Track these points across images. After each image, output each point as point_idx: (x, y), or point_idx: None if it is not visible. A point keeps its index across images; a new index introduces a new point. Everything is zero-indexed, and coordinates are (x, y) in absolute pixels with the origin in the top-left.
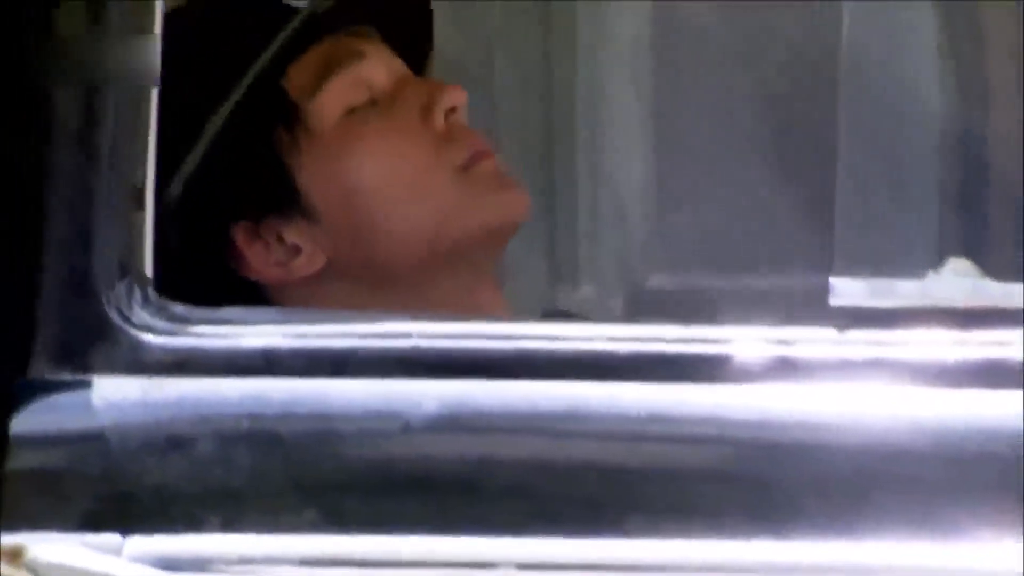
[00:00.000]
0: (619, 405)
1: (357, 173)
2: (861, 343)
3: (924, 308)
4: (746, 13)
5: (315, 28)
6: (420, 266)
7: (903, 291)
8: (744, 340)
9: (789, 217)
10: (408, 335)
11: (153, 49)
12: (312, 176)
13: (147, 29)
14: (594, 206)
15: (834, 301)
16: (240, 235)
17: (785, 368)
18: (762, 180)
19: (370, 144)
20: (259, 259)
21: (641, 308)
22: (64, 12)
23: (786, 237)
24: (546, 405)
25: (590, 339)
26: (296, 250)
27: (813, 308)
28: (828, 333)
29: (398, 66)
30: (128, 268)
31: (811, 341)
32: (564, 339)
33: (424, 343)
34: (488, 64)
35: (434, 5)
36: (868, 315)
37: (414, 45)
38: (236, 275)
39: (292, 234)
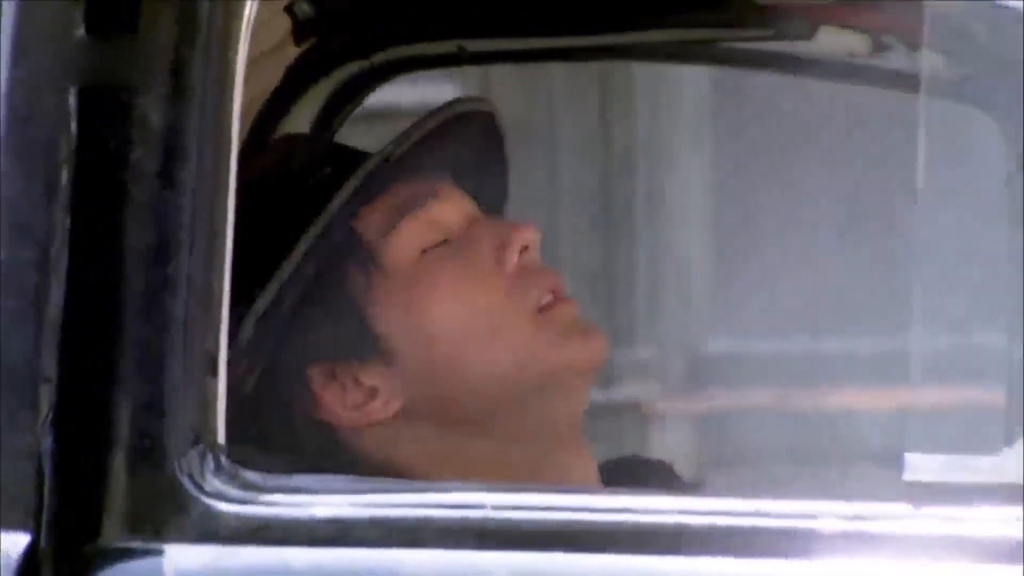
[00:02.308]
0: None
1: (432, 315)
2: (936, 519)
3: (998, 484)
4: (808, 81)
5: (389, 174)
6: (497, 409)
7: (977, 466)
8: (819, 515)
9: (849, 282)
10: (481, 506)
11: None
12: (388, 318)
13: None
14: (653, 269)
15: (908, 477)
16: (316, 378)
17: (860, 543)
18: (823, 245)
19: (445, 285)
20: (335, 402)
21: (700, 371)
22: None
23: (846, 302)
24: None
25: (664, 512)
26: (373, 392)
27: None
28: (903, 508)
29: (470, 207)
30: (201, 435)
31: (886, 517)
32: (638, 511)
33: (497, 514)
34: (550, 127)
35: (500, 69)
36: (943, 491)
37: (489, 193)
38: (309, 418)
39: (368, 376)
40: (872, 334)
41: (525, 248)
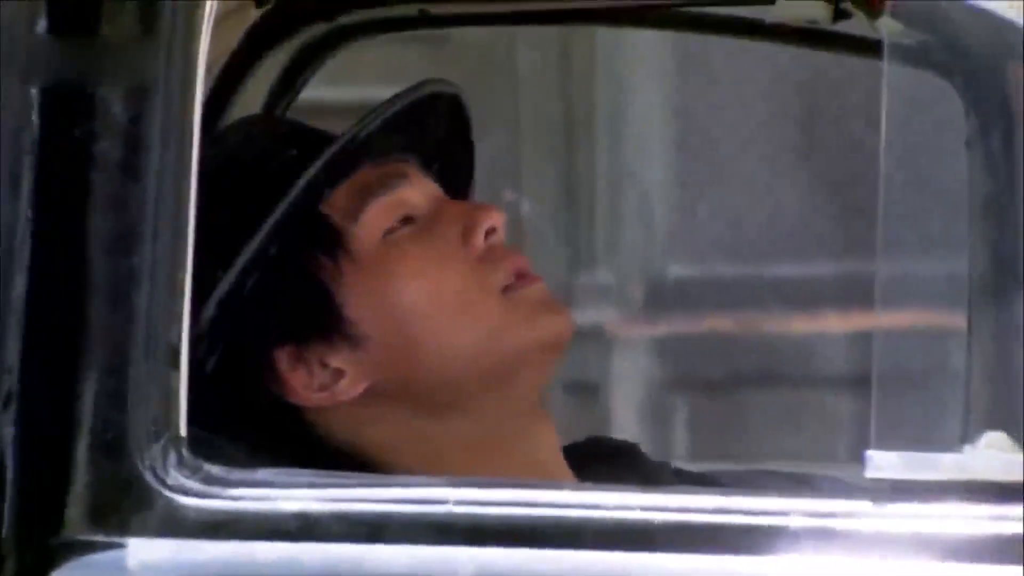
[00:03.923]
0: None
1: (399, 297)
2: (897, 516)
3: (960, 482)
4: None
5: (355, 155)
6: (463, 389)
7: (939, 464)
8: (781, 511)
9: (807, 208)
10: (444, 501)
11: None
12: (354, 301)
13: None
14: (614, 193)
15: (870, 473)
16: (283, 360)
17: (821, 540)
18: (782, 172)
19: (412, 267)
20: (302, 384)
21: (661, 296)
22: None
23: (807, 226)
24: (584, 575)
25: (628, 508)
26: (339, 374)
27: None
28: (864, 506)
29: (435, 190)
30: (163, 429)
31: (847, 514)
32: (602, 507)
33: (460, 509)
34: (511, 51)
35: None
36: (904, 488)
37: (455, 176)
38: (274, 400)
39: (335, 358)
40: (832, 258)
41: (491, 229)
